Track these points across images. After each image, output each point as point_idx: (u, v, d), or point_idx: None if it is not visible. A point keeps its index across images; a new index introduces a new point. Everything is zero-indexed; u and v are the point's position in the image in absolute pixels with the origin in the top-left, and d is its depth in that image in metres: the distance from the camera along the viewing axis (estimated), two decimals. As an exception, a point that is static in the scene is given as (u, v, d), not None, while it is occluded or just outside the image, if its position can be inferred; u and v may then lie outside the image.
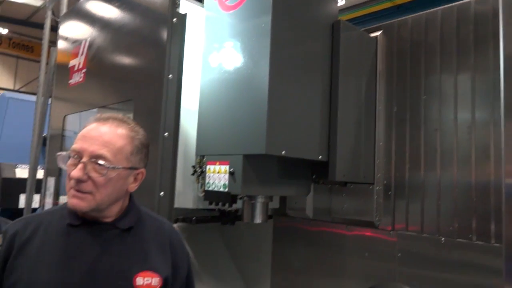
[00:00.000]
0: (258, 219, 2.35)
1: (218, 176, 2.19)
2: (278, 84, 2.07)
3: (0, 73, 19.74)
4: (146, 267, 1.35)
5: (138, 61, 2.66)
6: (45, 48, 5.25)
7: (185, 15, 2.46)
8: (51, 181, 3.51)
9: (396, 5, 2.84)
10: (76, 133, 3.35)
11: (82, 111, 3.21)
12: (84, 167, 1.26)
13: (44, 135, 4.81)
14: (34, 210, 4.84)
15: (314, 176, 2.49)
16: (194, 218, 2.63)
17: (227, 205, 2.22)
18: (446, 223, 2.22)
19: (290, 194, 2.57)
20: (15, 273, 1.25)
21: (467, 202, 2.16)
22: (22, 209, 5.21)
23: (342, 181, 2.47)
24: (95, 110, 3.00)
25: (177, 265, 1.45)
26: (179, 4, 2.43)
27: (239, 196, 2.25)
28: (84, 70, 3.17)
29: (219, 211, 2.76)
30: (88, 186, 1.26)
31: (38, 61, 6.00)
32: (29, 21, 18.21)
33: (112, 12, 2.93)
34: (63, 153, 1.32)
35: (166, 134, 2.32)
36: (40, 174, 4.58)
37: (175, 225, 2.19)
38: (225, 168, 2.15)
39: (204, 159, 2.33)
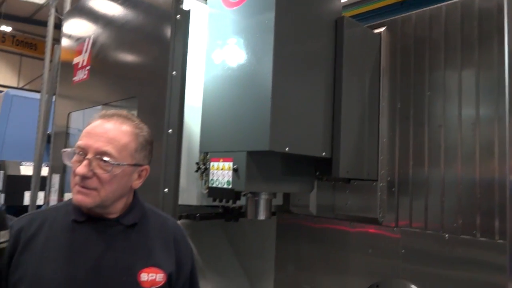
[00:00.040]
0: (261, 216, 2.35)
1: (221, 172, 2.19)
2: (282, 80, 2.07)
3: (4, 70, 19.82)
4: (151, 263, 1.36)
5: (142, 58, 2.66)
6: (49, 46, 5.27)
7: (188, 12, 2.45)
8: (56, 178, 3.52)
9: (399, 1, 2.82)
10: (80, 131, 3.37)
11: (87, 108, 3.22)
12: (89, 164, 1.27)
13: (48, 132, 4.83)
14: (39, 207, 4.86)
15: (317, 173, 2.49)
16: (198, 215, 2.64)
17: (230, 201, 2.23)
18: (450, 220, 2.21)
19: (294, 190, 2.57)
20: (20, 269, 1.26)
21: (471, 199, 2.15)
22: (26, 206, 5.25)
23: (345, 177, 2.47)
24: (99, 107, 3.01)
25: (181, 261, 1.45)
26: (182, 1, 2.43)
27: (242, 193, 2.25)
28: (88, 67, 3.17)
29: (223, 208, 2.77)
30: (93, 182, 1.27)
31: (42, 59, 6.02)
32: (33, 19, 18.27)
33: (115, 9, 2.93)
34: (69, 149, 1.33)
35: (170, 130, 2.32)
36: (44, 171, 4.60)
37: (179, 222, 2.20)
38: (228, 164, 2.15)
39: (208, 156, 2.33)
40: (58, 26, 4.42)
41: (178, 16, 2.39)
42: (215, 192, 2.24)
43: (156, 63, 2.47)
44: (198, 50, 2.53)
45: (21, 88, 18.12)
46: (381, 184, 2.52)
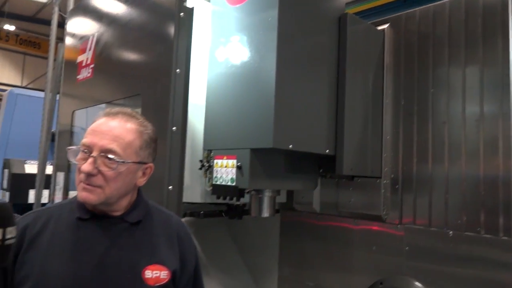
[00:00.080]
0: (265, 213, 2.36)
1: (225, 170, 2.19)
2: (285, 78, 2.07)
3: (7, 69, 19.88)
4: (155, 260, 1.36)
5: (146, 56, 2.67)
6: (53, 44, 5.28)
7: (192, 9, 2.45)
8: (61, 176, 3.54)
9: (403, -2, 2.81)
10: (83, 129, 3.39)
11: (91, 106, 3.23)
12: (94, 161, 1.27)
13: (52, 130, 4.85)
14: (43, 205, 4.89)
15: (321, 170, 2.49)
16: (201, 212, 2.64)
17: (234, 199, 2.23)
18: (454, 217, 2.21)
19: (297, 188, 2.57)
20: (25, 267, 1.27)
21: (476, 196, 2.15)
22: (31, 205, 5.27)
23: (349, 175, 2.47)
24: (103, 105, 3.02)
25: (185, 258, 1.46)
26: (186, -2, 2.44)
27: (246, 190, 2.25)
28: (92, 66, 3.18)
29: (227, 205, 2.78)
30: (98, 180, 1.28)
31: (45, 58, 6.03)
32: (36, 18, 18.30)
33: (119, 7, 2.94)
34: (74, 147, 1.33)
35: (174, 128, 2.32)
36: (49, 169, 4.62)
37: (182, 219, 2.21)
38: (232, 162, 2.16)
39: (212, 153, 2.34)
40: (61, 24, 4.44)
41: (181, 13, 2.39)
42: (219, 190, 2.24)
43: (160, 60, 2.48)
44: (202, 48, 2.53)
45: (25, 87, 18.17)
46: (385, 181, 2.52)
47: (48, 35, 5.47)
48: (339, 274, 2.68)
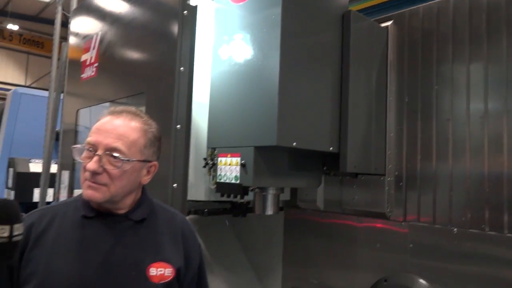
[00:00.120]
0: (269, 211, 2.36)
1: (229, 168, 2.20)
2: (289, 75, 2.07)
3: (11, 69, 19.97)
4: (159, 258, 1.37)
5: (149, 54, 2.67)
6: (56, 44, 5.29)
7: (195, 7, 2.45)
8: (65, 175, 3.55)
9: (406, -5, 2.80)
10: (87, 128, 3.40)
11: (95, 105, 3.23)
12: (99, 160, 1.28)
13: (57, 129, 4.87)
14: (48, 203, 4.91)
15: (325, 168, 2.49)
16: (206, 210, 2.65)
17: (238, 197, 2.24)
18: (459, 214, 2.20)
19: (301, 185, 2.57)
20: (31, 264, 1.28)
21: (480, 193, 2.14)
22: (36, 203, 5.30)
23: (353, 172, 2.46)
24: (107, 104, 3.03)
25: (189, 255, 1.46)
26: (189, -4, 2.44)
27: (250, 188, 2.25)
28: (96, 64, 3.19)
29: (231, 203, 2.78)
30: (103, 178, 1.28)
31: (49, 57, 6.06)
32: (39, 17, 18.35)
33: (122, 6, 2.94)
34: (79, 146, 1.34)
35: (178, 126, 2.33)
36: (53, 168, 4.64)
37: (187, 217, 2.21)
38: (236, 160, 2.16)
39: (216, 151, 2.34)
40: (65, 24, 4.45)
41: (185, 12, 2.39)
42: (223, 188, 2.25)
43: (164, 59, 2.48)
44: (205, 46, 2.53)
45: (29, 86, 18.23)
46: (389, 178, 2.52)
47: (51, 35, 5.48)
48: (343, 271, 2.68)
